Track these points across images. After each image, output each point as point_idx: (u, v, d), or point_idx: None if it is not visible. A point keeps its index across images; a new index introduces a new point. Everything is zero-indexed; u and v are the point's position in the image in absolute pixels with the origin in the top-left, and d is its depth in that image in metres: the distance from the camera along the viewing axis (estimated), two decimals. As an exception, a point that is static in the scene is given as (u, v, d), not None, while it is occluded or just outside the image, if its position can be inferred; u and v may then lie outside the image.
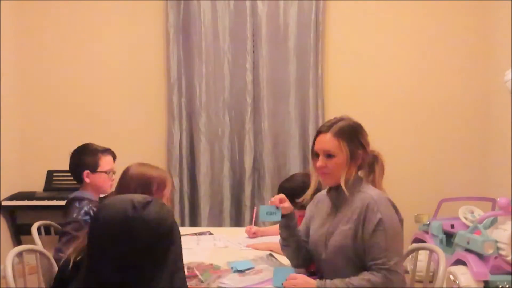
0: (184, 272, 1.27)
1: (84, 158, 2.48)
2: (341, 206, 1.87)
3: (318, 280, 1.80)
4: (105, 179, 2.49)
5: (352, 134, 1.84)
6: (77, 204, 2.36)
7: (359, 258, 1.79)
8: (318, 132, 1.89)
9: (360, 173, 1.92)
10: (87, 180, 2.46)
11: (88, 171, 2.46)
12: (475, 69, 4.32)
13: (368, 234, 1.75)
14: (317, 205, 2.01)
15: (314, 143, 1.90)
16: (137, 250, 1.16)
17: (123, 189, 1.87)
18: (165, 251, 1.20)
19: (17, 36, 4.38)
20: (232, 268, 2.05)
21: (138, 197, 1.22)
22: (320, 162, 1.86)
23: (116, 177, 2.06)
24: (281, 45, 4.31)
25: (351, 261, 1.80)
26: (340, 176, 1.83)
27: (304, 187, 2.02)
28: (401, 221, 1.84)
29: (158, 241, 1.19)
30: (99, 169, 2.47)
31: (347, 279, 1.74)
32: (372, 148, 1.90)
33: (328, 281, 1.77)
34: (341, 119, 1.89)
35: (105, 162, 2.51)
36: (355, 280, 1.73)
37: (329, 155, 1.84)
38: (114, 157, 2.59)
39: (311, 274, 1.98)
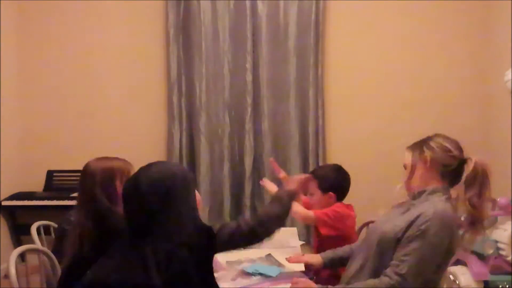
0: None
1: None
2: (411, 208, 1.85)
3: (320, 285, 1.82)
4: None
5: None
6: None
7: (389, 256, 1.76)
8: None
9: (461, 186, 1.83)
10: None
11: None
12: (475, 69, 4.31)
13: (406, 236, 1.72)
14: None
15: None
16: (143, 204, 1.50)
17: (86, 188, 1.81)
18: (165, 208, 1.51)
19: (17, 36, 4.37)
20: (253, 272, 2.05)
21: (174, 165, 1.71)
22: None
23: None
24: (281, 45, 4.30)
25: (384, 255, 1.77)
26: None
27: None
28: (453, 245, 1.76)
29: (158, 198, 1.49)
30: None
31: (350, 286, 1.75)
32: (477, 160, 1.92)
33: (330, 286, 1.78)
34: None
35: None
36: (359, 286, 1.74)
37: None
38: None
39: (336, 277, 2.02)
